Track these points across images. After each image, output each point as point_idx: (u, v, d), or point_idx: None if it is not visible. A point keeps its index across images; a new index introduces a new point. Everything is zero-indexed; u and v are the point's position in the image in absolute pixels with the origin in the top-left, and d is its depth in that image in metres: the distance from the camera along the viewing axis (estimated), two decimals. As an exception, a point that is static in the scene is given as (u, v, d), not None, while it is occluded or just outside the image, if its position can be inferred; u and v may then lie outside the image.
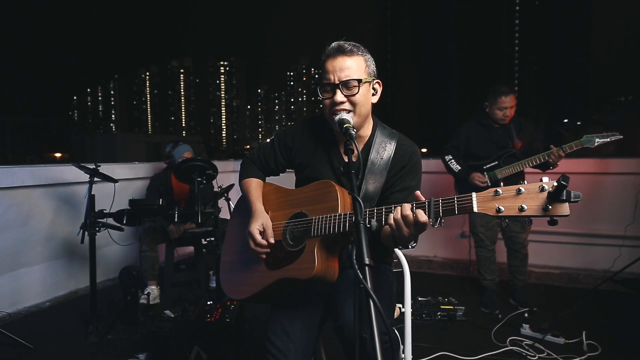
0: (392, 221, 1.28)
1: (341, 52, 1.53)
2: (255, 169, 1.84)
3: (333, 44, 1.55)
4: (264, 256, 1.59)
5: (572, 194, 1.01)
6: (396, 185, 1.63)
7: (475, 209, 1.14)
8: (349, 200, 1.47)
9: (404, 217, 1.25)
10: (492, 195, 1.12)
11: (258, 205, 1.67)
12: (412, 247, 1.39)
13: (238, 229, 1.81)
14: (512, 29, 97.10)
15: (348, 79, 1.50)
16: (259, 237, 1.57)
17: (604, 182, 4.15)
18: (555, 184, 1.02)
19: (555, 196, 1.02)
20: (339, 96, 1.51)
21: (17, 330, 2.94)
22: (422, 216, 1.22)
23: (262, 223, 1.59)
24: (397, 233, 1.28)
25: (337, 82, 1.51)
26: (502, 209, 1.10)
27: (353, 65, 1.52)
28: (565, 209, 1.04)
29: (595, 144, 2.93)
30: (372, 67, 1.58)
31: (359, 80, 1.51)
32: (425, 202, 1.24)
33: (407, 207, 1.26)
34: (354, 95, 1.51)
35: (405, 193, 1.61)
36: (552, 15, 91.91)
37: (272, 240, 1.58)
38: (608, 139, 2.91)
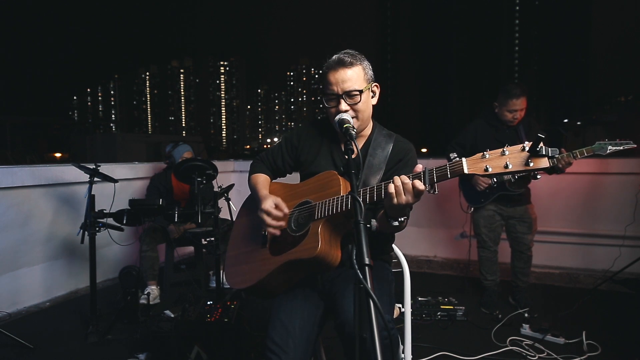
0: (391, 190, 1.36)
1: (342, 65, 1.64)
2: (263, 167, 1.95)
3: (334, 57, 1.68)
4: (278, 232, 1.64)
5: (550, 149, 1.14)
6: (393, 176, 1.67)
7: (465, 170, 1.25)
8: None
9: (403, 184, 1.36)
10: (479, 158, 1.25)
11: (264, 192, 1.77)
12: (402, 221, 1.46)
13: (244, 225, 1.89)
14: (512, 29, 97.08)
15: (350, 89, 1.63)
16: (274, 210, 1.64)
17: (604, 182, 4.15)
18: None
19: (534, 150, 1.14)
20: (343, 105, 1.64)
21: (17, 330, 2.94)
22: (420, 184, 1.33)
23: (273, 200, 1.67)
24: (394, 200, 1.36)
25: (340, 93, 1.64)
26: (490, 168, 1.22)
27: (354, 76, 1.64)
28: (544, 162, 1.14)
29: (608, 151, 2.86)
30: (370, 72, 1.71)
31: (360, 91, 1.64)
32: (420, 173, 1.36)
33: (405, 176, 1.38)
34: (356, 103, 1.65)
35: None
36: (552, 15, 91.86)
37: (287, 210, 1.65)
38: (621, 147, 2.85)
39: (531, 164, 1.15)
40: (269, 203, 1.65)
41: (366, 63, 1.69)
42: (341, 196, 1.49)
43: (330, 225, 1.53)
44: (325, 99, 1.69)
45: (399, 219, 1.45)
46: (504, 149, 1.21)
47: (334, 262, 1.52)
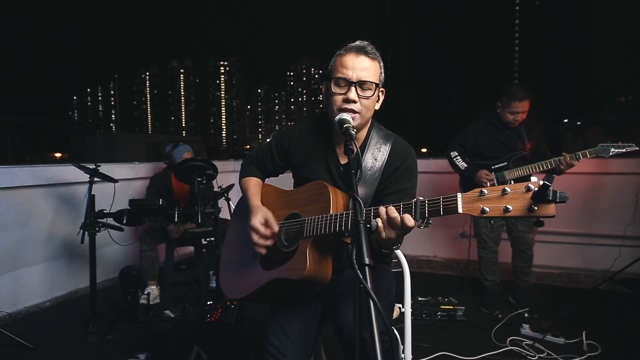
0: (379, 223, 1.27)
1: (364, 52, 1.52)
2: (254, 169, 1.86)
3: (357, 42, 1.55)
4: (263, 251, 1.57)
5: (558, 194, 0.99)
6: (390, 187, 1.62)
7: (460, 210, 1.12)
8: (341, 202, 1.46)
9: (390, 218, 1.25)
10: (477, 196, 1.11)
11: (256, 201, 1.68)
12: (395, 249, 1.39)
13: (237, 230, 1.82)
14: (512, 29, 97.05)
15: (366, 79, 1.50)
16: (262, 228, 1.55)
17: (604, 182, 4.16)
18: (541, 183, 1.00)
19: (540, 196, 1.00)
20: (353, 94, 1.49)
21: (17, 330, 2.94)
22: (409, 219, 1.22)
23: (262, 215, 1.58)
24: (383, 235, 1.27)
25: (354, 80, 1.49)
26: (487, 209, 1.08)
27: (372, 68, 1.52)
28: (551, 209, 1.01)
29: (610, 153, 2.87)
30: (383, 75, 1.59)
31: (376, 84, 1.52)
32: (411, 203, 1.23)
33: (393, 209, 1.25)
34: (367, 97, 1.51)
35: (400, 195, 1.60)
36: (552, 15, 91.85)
37: (276, 228, 1.56)
38: (624, 150, 2.87)
39: (535, 210, 1.02)
40: (259, 219, 1.56)
41: (382, 64, 1.59)
42: (330, 216, 1.38)
43: (319, 244, 1.45)
44: (335, 82, 1.52)
45: (392, 248, 1.38)
46: (505, 187, 1.07)
47: (324, 280, 1.47)
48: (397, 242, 1.31)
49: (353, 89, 1.49)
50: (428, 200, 1.20)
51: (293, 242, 1.52)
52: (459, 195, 1.14)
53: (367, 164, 1.59)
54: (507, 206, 1.05)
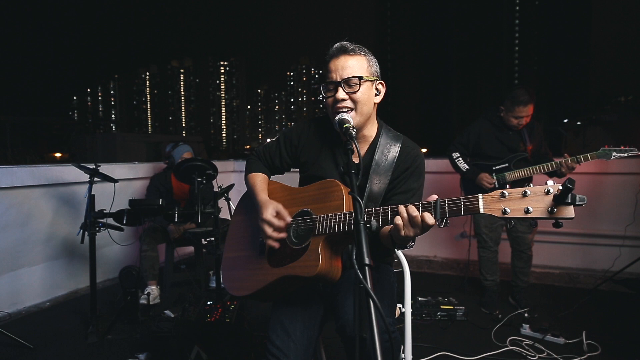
0: (398, 221, 1.28)
1: (343, 51, 1.57)
2: (260, 165, 1.85)
3: (336, 45, 1.59)
4: (277, 245, 1.56)
5: (577, 197, 1.03)
6: (399, 186, 1.64)
7: (481, 210, 1.15)
8: None
9: (411, 217, 1.26)
10: (498, 197, 1.14)
11: (264, 196, 1.67)
12: (410, 247, 1.40)
13: (242, 225, 1.81)
14: (512, 29, 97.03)
15: (350, 75, 1.53)
16: (275, 220, 1.55)
17: (604, 182, 4.16)
18: (561, 187, 1.03)
19: (560, 199, 1.04)
20: (341, 93, 1.54)
21: (17, 330, 2.94)
22: (429, 218, 1.23)
23: (274, 208, 1.58)
24: (402, 233, 1.28)
25: (338, 80, 1.54)
26: (508, 210, 1.12)
27: (355, 65, 1.55)
28: (570, 211, 1.05)
29: (612, 157, 2.87)
30: (375, 67, 1.61)
31: (360, 78, 1.54)
32: (431, 203, 1.25)
33: (413, 208, 1.27)
34: (355, 92, 1.54)
35: (408, 195, 1.63)
36: (552, 15, 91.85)
37: (289, 219, 1.56)
38: (625, 154, 2.86)
39: (555, 211, 1.05)
40: (270, 211, 1.55)
41: (371, 57, 1.60)
42: (344, 214, 1.41)
43: (331, 241, 1.47)
44: (324, 88, 1.59)
45: (406, 246, 1.40)
46: (526, 189, 1.10)
47: (335, 278, 1.48)
48: (412, 239, 1.33)
49: (340, 88, 1.54)
50: (448, 200, 1.22)
51: (303, 240, 1.53)
52: (480, 195, 1.17)
53: (379, 162, 1.62)
54: (528, 207, 1.09)
